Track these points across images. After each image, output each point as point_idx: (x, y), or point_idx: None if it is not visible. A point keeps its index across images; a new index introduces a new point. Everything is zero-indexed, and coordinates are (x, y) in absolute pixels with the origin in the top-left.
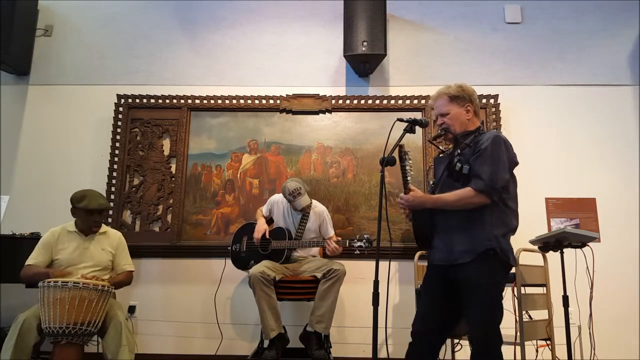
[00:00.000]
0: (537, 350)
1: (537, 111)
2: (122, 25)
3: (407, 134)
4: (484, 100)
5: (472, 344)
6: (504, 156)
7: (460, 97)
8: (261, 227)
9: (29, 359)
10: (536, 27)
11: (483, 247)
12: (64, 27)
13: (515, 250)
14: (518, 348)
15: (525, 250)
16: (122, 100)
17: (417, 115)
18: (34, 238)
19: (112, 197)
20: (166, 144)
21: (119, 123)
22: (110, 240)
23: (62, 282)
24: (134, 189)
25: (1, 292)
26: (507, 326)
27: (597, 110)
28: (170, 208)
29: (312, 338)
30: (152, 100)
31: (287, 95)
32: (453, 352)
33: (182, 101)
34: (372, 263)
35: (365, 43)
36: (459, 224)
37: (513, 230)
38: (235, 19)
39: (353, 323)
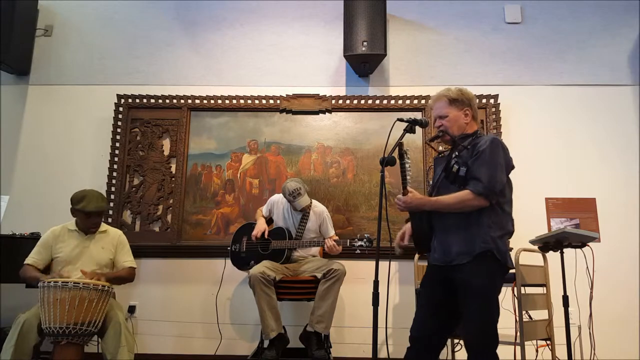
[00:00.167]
0: (537, 350)
1: (537, 111)
2: (122, 25)
3: (407, 134)
4: (484, 100)
5: (465, 346)
6: (501, 159)
7: (460, 100)
8: (260, 227)
9: (29, 359)
10: (536, 27)
11: (480, 249)
12: (64, 27)
13: (515, 250)
14: (518, 348)
15: (525, 250)
16: (122, 100)
17: (417, 115)
18: (34, 238)
19: (112, 197)
20: (166, 144)
21: (119, 123)
22: (110, 239)
23: (62, 282)
24: (134, 189)
25: (1, 292)
26: (507, 326)
27: (597, 110)
28: (170, 208)
29: (312, 338)
30: (152, 100)
31: (287, 95)
32: (453, 352)
33: (182, 101)
34: (372, 263)
35: (365, 43)
36: (456, 225)
37: (510, 233)
38: (235, 19)
39: (353, 323)
